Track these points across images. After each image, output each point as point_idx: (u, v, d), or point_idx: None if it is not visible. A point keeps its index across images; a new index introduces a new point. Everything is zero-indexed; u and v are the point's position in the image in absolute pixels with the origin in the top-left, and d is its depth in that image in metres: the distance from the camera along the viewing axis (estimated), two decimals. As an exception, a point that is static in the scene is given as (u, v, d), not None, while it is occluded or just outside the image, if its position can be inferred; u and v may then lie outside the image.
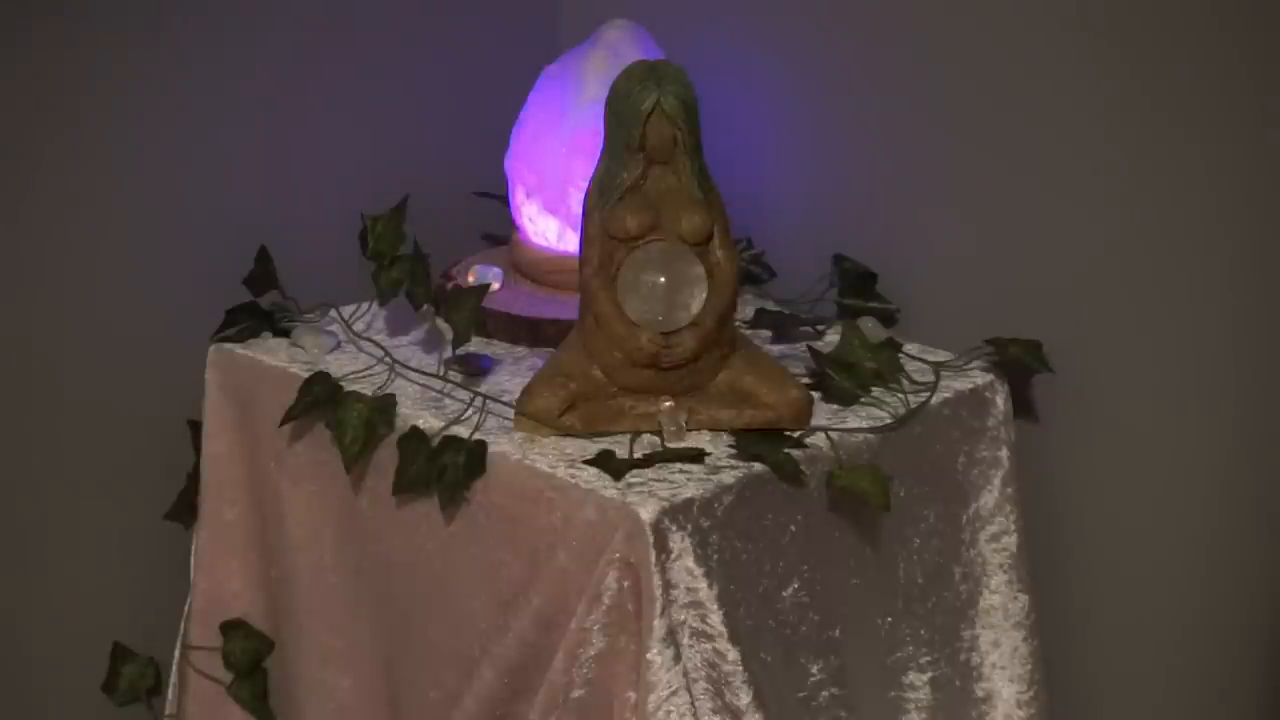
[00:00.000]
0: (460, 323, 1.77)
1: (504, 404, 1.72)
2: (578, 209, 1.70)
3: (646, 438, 1.68)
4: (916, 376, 1.80)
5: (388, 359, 1.82)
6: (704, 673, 1.58)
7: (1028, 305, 1.86)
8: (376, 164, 2.02)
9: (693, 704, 1.56)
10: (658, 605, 1.55)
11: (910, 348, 1.85)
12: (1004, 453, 1.82)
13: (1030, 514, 1.85)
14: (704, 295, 1.66)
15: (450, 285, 1.90)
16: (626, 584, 1.56)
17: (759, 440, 1.66)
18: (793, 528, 1.66)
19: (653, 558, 1.55)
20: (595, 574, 1.57)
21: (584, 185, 1.70)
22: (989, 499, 1.82)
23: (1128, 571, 1.87)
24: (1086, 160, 1.81)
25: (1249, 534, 1.79)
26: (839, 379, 1.76)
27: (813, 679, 1.70)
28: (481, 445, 1.65)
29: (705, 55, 1.96)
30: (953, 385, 1.80)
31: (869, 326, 1.83)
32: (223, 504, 1.89)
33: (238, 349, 1.87)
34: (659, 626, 1.55)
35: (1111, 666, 1.90)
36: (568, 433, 1.68)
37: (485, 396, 1.72)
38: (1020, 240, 1.87)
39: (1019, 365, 1.82)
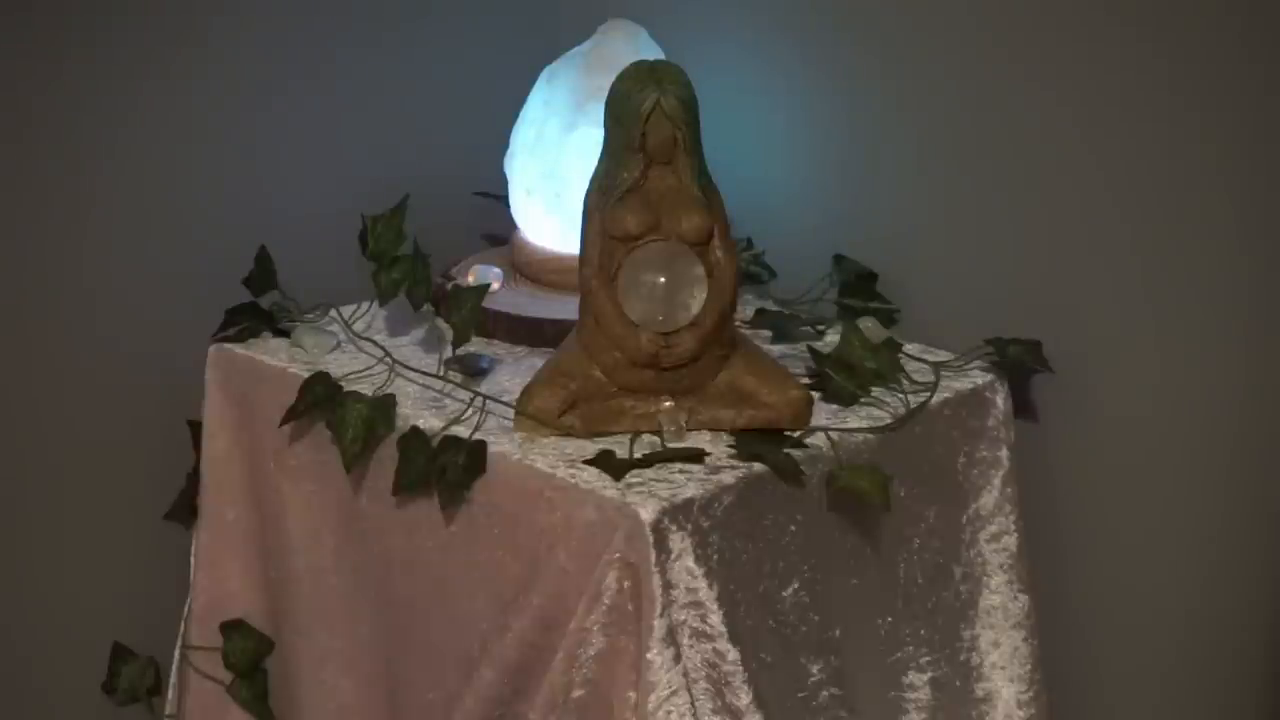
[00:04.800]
0: (460, 323, 1.77)
1: (504, 404, 1.72)
2: (578, 209, 1.70)
3: (646, 438, 1.68)
4: (916, 376, 1.80)
5: (388, 359, 1.82)
6: (704, 673, 1.58)
7: (1028, 305, 1.86)
8: (376, 164, 2.02)
9: (693, 704, 1.56)
10: (658, 605, 1.55)
11: (910, 348, 1.85)
12: (1004, 453, 1.82)
13: (1030, 514, 1.85)
14: (704, 295, 1.66)
15: (450, 285, 1.90)
16: (626, 584, 1.56)
17: (759, 440, 1.66)
18: (793, 528, 1.66)
19: (653, 558, 1.55)
20: (595, 574, 1.57)
21: (584, 185, 1.70)
22: (989, 499, 1.82)
23: (1127, 571, 1.87)
24: (1087, 160, 1.81)
25: (1249, 534, 1.79)
26: (839, 379, 1.76)
27: (813, 679, 1.70)
28: (481, 445, 1.65)
29: (705, 55, 1.96)
30: (953, 385, 1.80)
31: (869, 326, 1.83)
32: (223, 504, 1.89)
33: (238, 349, 1.87)
34: (659, 626, 1.55)
35: (1111, 666, 1.90)
36: (568, 433, 1.68)
37: (485, 396, 1.72)
38: (1020, 240, 1.87)
39: (1019, 365, 1.83)
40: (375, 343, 1.87)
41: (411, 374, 1.80)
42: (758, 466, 1.63)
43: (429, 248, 1.83)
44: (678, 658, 1.56)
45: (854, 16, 1.94)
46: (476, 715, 1.66)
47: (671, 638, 1.56)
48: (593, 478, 1.61)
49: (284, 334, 1.89)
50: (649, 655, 1.56)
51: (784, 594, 1.66)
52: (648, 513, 1.55)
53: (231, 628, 1.90)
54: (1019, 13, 1.83)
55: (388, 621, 1.78)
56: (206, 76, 1.91)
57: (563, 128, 1.91)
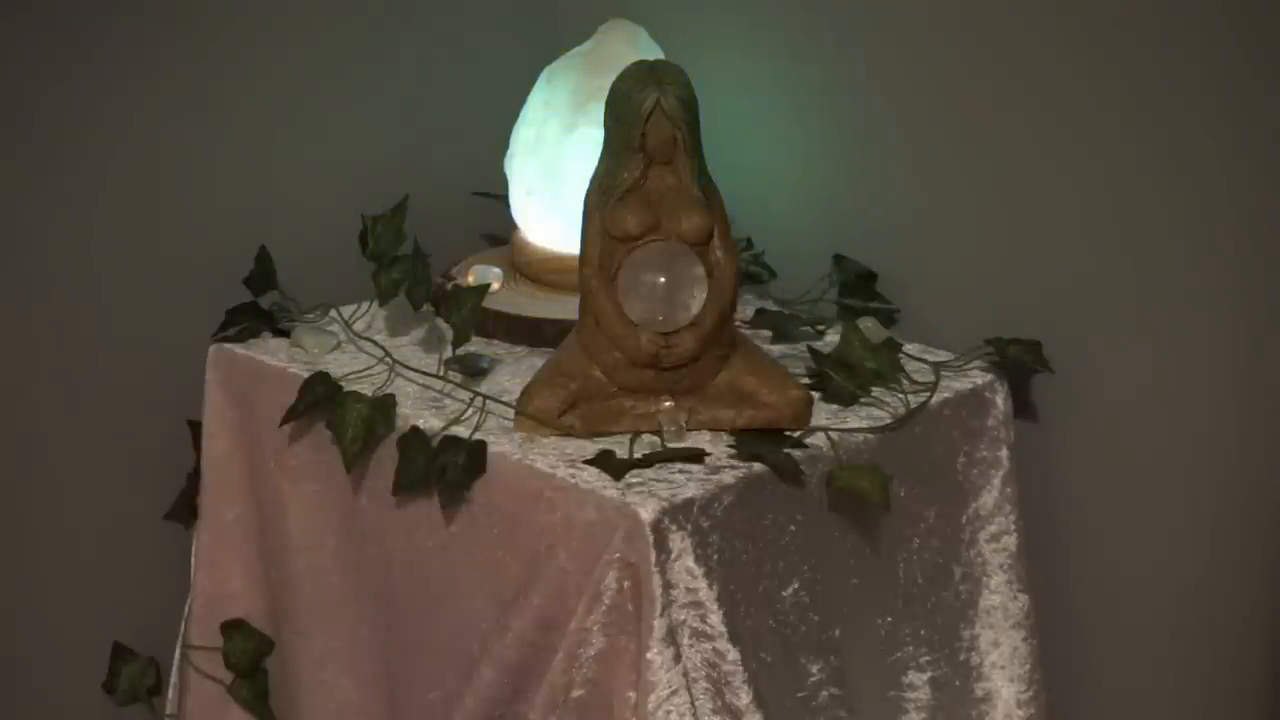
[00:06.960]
0: (460, 323, 1.77)
1: (504, 404, 1.72)
2: (578, 209, 1.70)
3: (646, 438, 1.68)
4: (916, 376, 1.80)
5: (388, 359, 1.82)
6: (704, 673, 1.58)
7: (1028, 305, 1.86)
8: (376, 164, 2.02)
9: (693, 704, 1.56)
10: (658, 605, 1.55)
11: (910, 348, 1.85)
12: (1004, 453, 1.82)
13: (1030, 514, 1.85)
14: (704, 295, 1.66)
15: (450, 285, 1.90)
16: (626, 584, 1.56)
17: (759, 440, 1.66)
18: (793, 528, 1.66)
19: (653, 558, 1.55)
20: (595, 574, 1.57)
21: (584, 185, 1.70)
22: (989, 499, 1.82)
23: (1128, 571, 1.87)
24: (1086, 160, 1.81)
25: (1249, 534, 1.79)
26: (839, 379, 1.76)
27: (813, 679, 1.70)
28: (481, 445, 1.65)
29: (705, 55, 1.96)
30: (953, 385, 1.80)
31: (869, 326, 1.83)
32: (223, 504, 1.89)
33: (238, 349, 1.87)
34: (659, 626, 1.55)
35: (1111, 666, 1.90)
36: (568, 433, 1.68)
37: (485, 396, 1.72)
38: (1020, 240, 1.87)
39: (1019, 365, 1.83)
40: (375, 343, 1.87)
41: (411, 374, 1.80)
42: (758, 466, 1.63)
43: (429, 248, 1.83)
44: (678, 658, 1.56)
45: (854, 17, 1.94)
46: (476, 715, 1.66)
47: (671, 638, 1.56)
48: (593, 478, 1.61)
49: (284, 334, 1.89)
50: (649, 655, 1.56)
51: (784, 594, 1.66)
52: (648, 513, 1.55)
53: (232, 628, 1.90)
54: (1019, 13, 1.83)
55: (388, 621, 1.78)
56: (206, 76, 1.91)
57: (563, 128, 1.91)
